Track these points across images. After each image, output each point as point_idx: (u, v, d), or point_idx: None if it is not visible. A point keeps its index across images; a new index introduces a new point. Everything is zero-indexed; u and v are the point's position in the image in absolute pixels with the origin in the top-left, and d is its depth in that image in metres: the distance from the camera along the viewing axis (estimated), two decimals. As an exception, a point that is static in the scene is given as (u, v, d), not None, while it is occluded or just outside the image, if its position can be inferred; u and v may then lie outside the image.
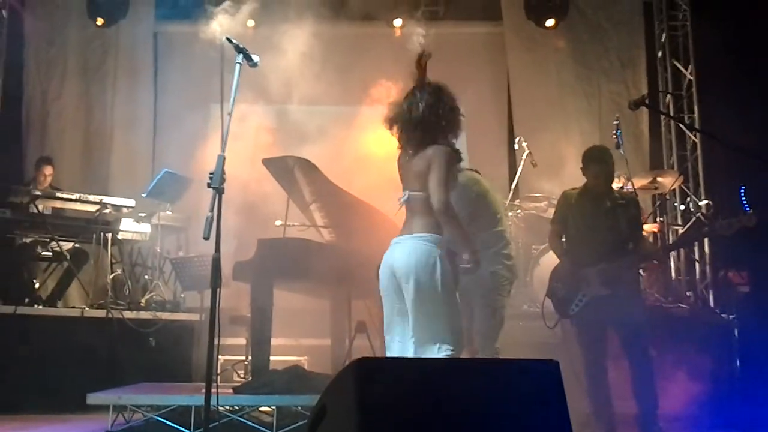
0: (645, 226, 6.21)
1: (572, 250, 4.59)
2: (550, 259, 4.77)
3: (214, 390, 3.13)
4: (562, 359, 2.53)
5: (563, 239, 4.70)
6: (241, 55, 3.40)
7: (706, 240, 7.78)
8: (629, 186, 6.12)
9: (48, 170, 7.15)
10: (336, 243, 5.47)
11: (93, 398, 4.61)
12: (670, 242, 6.97)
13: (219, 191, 3.15)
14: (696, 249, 7.89)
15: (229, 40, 3.37)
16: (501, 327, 4.34)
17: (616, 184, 5.62)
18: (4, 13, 8.27)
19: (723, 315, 6.12)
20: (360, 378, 2.19)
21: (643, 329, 4.39)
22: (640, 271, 5.21)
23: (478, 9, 8.74)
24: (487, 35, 8.85)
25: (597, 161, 4.53)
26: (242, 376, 5.87)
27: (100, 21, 8.28)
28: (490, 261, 4.15)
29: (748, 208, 4.12)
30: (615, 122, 5.77)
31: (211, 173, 3.22)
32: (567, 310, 4.50)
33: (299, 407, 4.57)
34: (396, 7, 8.16)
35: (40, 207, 6.41)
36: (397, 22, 8.13)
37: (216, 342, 3.11)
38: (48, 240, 6.36)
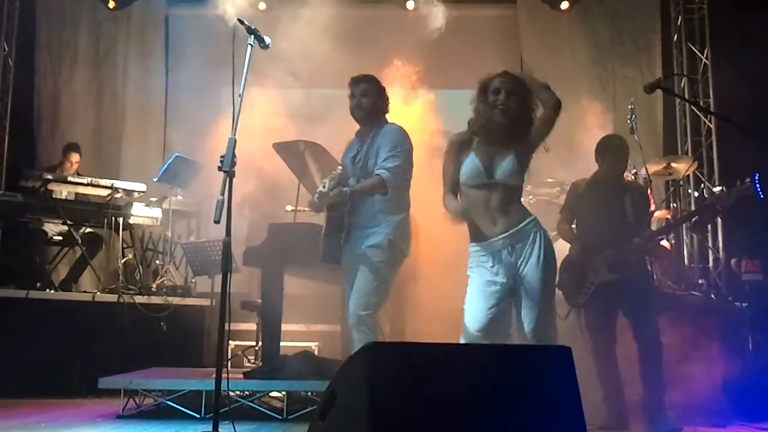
0: (657, 213, 6.16)
1: (581, 239, 4.58)
2: (562, 246, 4.73)
3: (224, 375, 3.13)
4: (574, 346, 2.50)
5: (573, 227, 4.68)
6: (252, 37, 3.37)
7: (719, 227, 7.72)
8: (642, 172, 6.05)
9: (75, 157, 7.16)
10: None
11: (104, 382, 4.64)
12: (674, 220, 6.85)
13: (230, 175, 3.14)
14: (709, 237, 7.82)
15: (241, 22, 3.35)
16: None
17: (629, 170, 5.57)
18: (16, -3, 8.27)
19: (735, 303, 6.06)
20: (370, 363, 2.18)
21: (651, 315, 4.36)
22: (649, 257, 5.17)
23: (492, -9, 8.69)
24: (500, 18, 8.77)
25: (613, 151, 4.53)
26: (253, 361, 5.89)
27: (111, 4, 8.27)
28: None
29: (761, 195, 4.07)
30: (630, 107, 5.70)
31: (221, 157, 3.21)
32: (577, 299, 4.49)
33: (309, 392, 4.58)
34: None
35: (64, 193, 6.45)
36: (410, 5, 8.07)
37: (226, 327, 3.10)
38: (61, 224, 6.38)
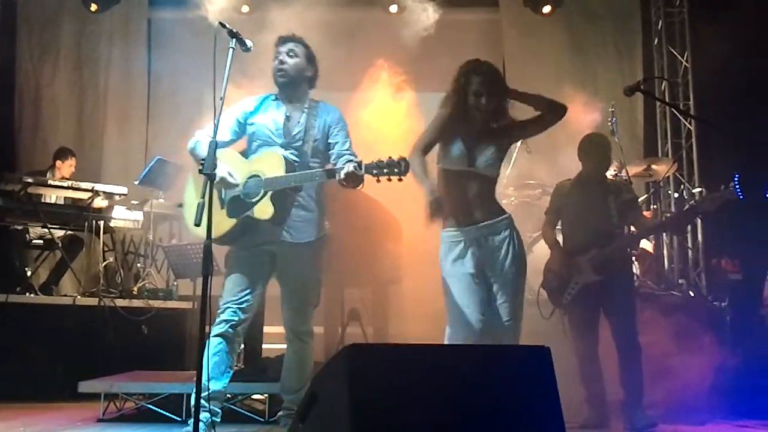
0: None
1: (566, 239, 4.61)
2: (544, 247, 4.77)
3: (206, 378, 3.12)
4: (556, 346, 2.52)
5: (557, 228, 4.71)
6: (234, 40, 3.37)
7: (699, 228, 7.79)
8: (623, 173, 6.10)
9: (71, 162, 7.10)
10: (330, 230, 5.44)
11: (85, 386, 4.60)
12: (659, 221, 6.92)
13: (211, 177, 3.12)
14: (689, 237, 7.90)
15: (223, 25, 3.34)
16: None
17: (610, 171, 5.61)
18: (-4, -2, 8.21)
19: (715, 303, 6.12)
20: (350, 364, 2.18)
21: (632, 316, 4.39)
22: (633, 258, 5.22)
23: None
24: (483, 21, 8.81)
25: (596, 149, 4.55)
26: (235, 364, 5.86)
27: (93, 7, 8.19)
28: None
29: (741, 196, 4.11)
30: (611, 109, 5.76)
31: (202, 159, 3.20)
32: (561, 299, 4.52)
33: (292, 394, 4.56)
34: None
35: (53, 197, 6.43)
36: (393, 8, 8.08)
37: (207, 330, 3.09)
38: (41, 227, 6.32)
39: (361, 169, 3.35)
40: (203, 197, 3.06)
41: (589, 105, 6.94)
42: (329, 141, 3.82)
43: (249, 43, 3.45)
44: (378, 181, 3.35)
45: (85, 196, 6.37)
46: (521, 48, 8.48)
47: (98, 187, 6.43)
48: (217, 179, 3.40)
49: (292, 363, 3.94)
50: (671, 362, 4.63)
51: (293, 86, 3.83)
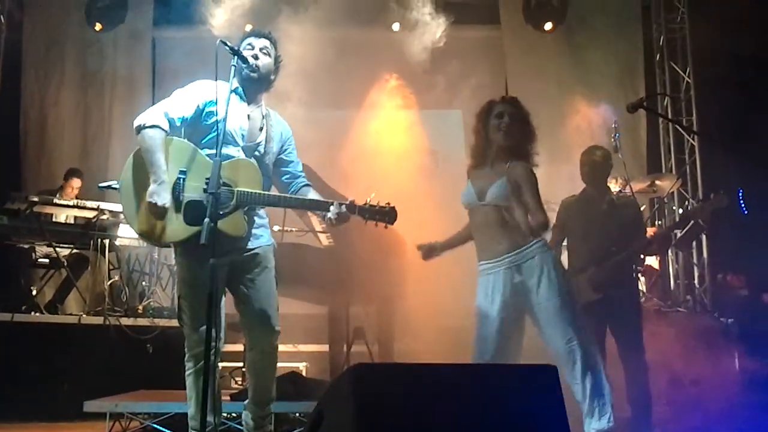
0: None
1: (569, 256, 4.60)
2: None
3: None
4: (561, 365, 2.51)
5: (563, 245, 4.71)
6: (236, 58, 3.38)
7: (704, 244, 7.78)
8: (627, 189, 6.10)
9: (76, 182, 7.15)
10: (334, 248, 5.46)
11: (90, 406, 4.59)
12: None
13: (216, 196, 3.10)
14: (694, 253, 7.88)
15: (224, 43, 3.35)
16: None
17: (614, 187, 5.61)
18: (3, 18, 8.28)
19: (722, 319, 6.10)
20: (356, 384, 2.18)
21: (638, 334, 4.36)
22: (638, 275, 5.20)
23: (477, 13, 8.75)
24: (485, 39, 8.84)
25: (593, 161, 4.56)
26: (240, 382, 5.85)
27: (98, 26, 8.25)
28: None
29: (746, 211, 4.13)
30: (613, 125, 5.76)
31: (207, 178, 3.18)
32: None
33: (297, 414, 4.56)
34: (393, 11, 8.16)
35: (62, 216, 6.46)
36: (396, 26, 8.11)
37: (212, 348, 3.09)
38: (45, 246, 6.34)
39: (354, 212, 3.36)
40: (209, 217, 3.02)
41: (592, 121, 6.99)
42: (281, 156, 3.59)
43: (251, 60, 3.45)
44: (365, 222, 3.38)
45: (90, 214, 6.39)
46: (523, 65, 8.51)
47: (103, 205, 6.44)
48: (153, 204, 3.19)
49: (265, 373, 3.58)
50: (678, 379, 4.61)
51: (258, 85, 3.54)
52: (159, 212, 3.21)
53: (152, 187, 3.22)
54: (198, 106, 3.45)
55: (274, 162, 3.57)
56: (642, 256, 5.69)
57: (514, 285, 3.54)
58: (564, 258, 4.65)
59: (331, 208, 3.35)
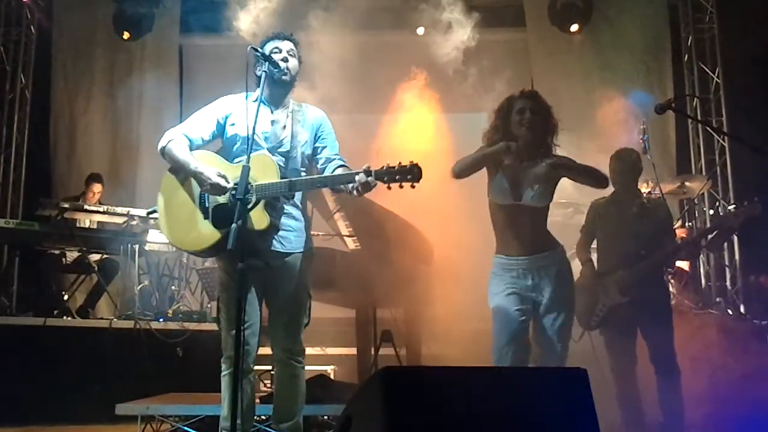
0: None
1: (599, 259, 4.57)
2: (577, 266, 4.72)
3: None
4: (592, 368, 2.49)
5: (593, 248, 4.68)
6: (267, 64, 3.38)
7: (736, 245, 7.66)
8: (657, 191, 6.04)
9: (97, 188, 7.23)
10: (360, 252, 5.46)
11: (121, 409, 4.65)
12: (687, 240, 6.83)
13: (244, 202, 3.12)
14: (726, 254, 7.77)
15: (255, 50, 3.36)
16: None
17: (644, 189, 5.56)
18: (32, 28, 8.43)
19: (755, 321, 6.01)
20: (385, 387, 2.17)
21: (668, 337, 4.29)
22: (668, 276, 5.13)
23: (502, 15, 8.71)
24: (510, 41, 8.80)
25: (623, 164, 4.52)
26: (269, 385, 5.87)
27: (126, 35, 8.37)
28: None
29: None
30: (642, 126, 5.70)
31: (235, 184, 3.18)
32: (589, 321, 4.47)
33: (325, 417, 4.57)
34: (419, 14, 8.16)
35: (87, 222, 6.55)
36: (420, 30, 8.11)
37: (241, 351, 3.10)
38: (77, 251, 6.44)
39: (371, 176, 3.08)
40: (237, 221, 3.04)
41: (619, 123, 6.93)
42: (316, 145, 3.52)
43: (282, 64, 3.45)
44: (389, 188, 3.09)
45: (120, 220, 6.48)
46: (549, 67, 8.45)
47: (133, 211, 6.53)
48: (208, 185, 3.26)
49: (287, 388, 3.48)
50: (711, 382, 4.54)
51: (286, 88, 3.51)
52: (219, 188, 3.25)
53: (198, 178, 3.28)
54: (218, 121, 3.50)
55: (312, 153, 3.52)
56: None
57: (526, 286, 3.58)
58: (593, 258, 4.62)
59: (357, 178, 3.12)
